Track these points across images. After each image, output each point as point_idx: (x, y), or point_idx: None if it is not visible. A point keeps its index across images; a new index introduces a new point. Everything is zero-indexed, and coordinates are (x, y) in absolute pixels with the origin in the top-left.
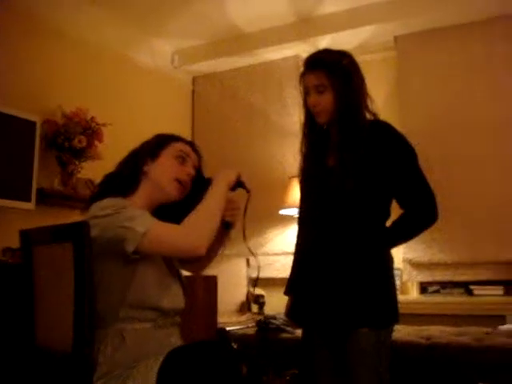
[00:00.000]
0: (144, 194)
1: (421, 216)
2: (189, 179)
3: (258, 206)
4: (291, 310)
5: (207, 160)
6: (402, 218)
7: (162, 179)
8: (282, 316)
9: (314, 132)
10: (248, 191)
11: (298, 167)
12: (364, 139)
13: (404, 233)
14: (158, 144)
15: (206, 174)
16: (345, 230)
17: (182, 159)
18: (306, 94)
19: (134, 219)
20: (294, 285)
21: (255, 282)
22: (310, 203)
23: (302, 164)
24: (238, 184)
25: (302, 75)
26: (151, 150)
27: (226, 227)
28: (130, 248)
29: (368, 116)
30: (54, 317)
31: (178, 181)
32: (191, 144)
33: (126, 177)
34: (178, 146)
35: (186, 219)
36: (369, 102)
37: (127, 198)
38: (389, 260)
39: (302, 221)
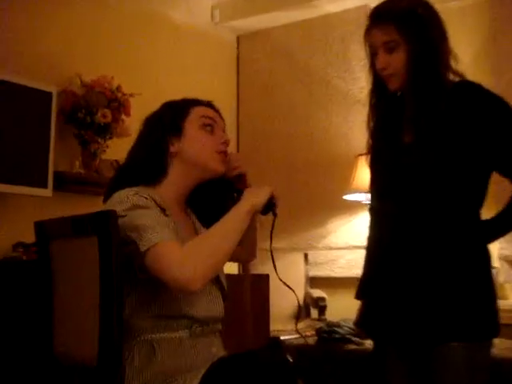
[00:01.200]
0: (177, 178)
1: None
2: (226, 147)
3: (317, 191)
4: (363, 318)
5: (255, 134)
6: None
7: (202, 156)
8: (348, 323)
9: (384, 101)
10: (275, 215)
11: (366, 145)
12: (448, 105)
13: None
14: (175, 116)
15: (253, 153)
16: (429, 222)
17: (210, 127)
18: (372, 54)
19: (139, 230)
20: (367, 287)
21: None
22: (384, 189)
23: (371, 141)
24: (269, 206)
25: (367, 32)
26: (171, 124)
27: (238, 186)
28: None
29: (451, 77)
30: (76, 323)
31: (219, 152)
32: (210, 105)
33: (149, 167)
34: (199, 110)
35: (191, 243)
36: (452, 61)
37: (154, 188)
38: (486, 258)
39: (376, 210)
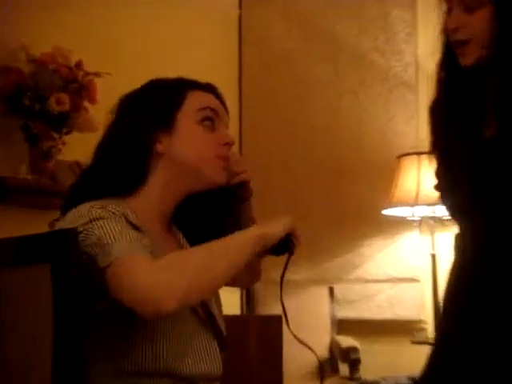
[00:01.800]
0: (160, 187)
1: None
2: (229, 150)
3: (347, 204)
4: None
5: (263, 127)
6: None
7: (198, 160)
8: (391, 383)
9: (456, 79)
10: (291, 254)
11: (430, 140)
12: None
13: None
14: (167, 102)
15: (260, 150)
16: None
17: (210, 122)
18: (447, 11)
19: (99, 243)
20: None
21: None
22: (469, 202)
23: (437, 134)
24: (285, 244)
25: None
26: (161, 113)
27: (240, 196)
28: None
29: None
30: (21, 378)
31: (220, 157)
32: (213, 89)
33: (125, 172)
34: (198, 98)
35: (172, 254)
36: None
37: (126, 200)
38: None
39: (462, 232)
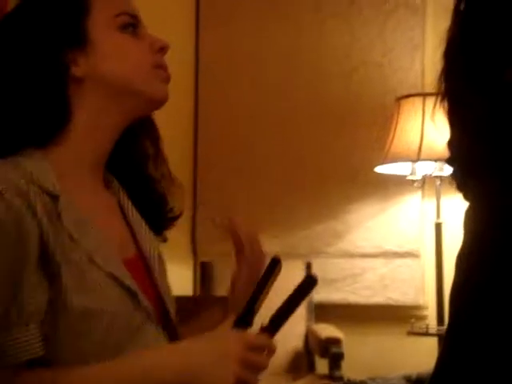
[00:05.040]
0: (88, 123)
1: None
2: (164, 56)
3: (330, 160)
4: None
5: (225, 61)
6: None
7: (134, 76)
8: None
9: (482, 8)
10: None
11: (438, 82)
12: None
13: None
14: (70, 11)
15: (224, 96)
16: None
17: (132, 27)
18: None
19: None
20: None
21: None
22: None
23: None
24: None
25: None
26: (65, 27)
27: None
28: None
29: None
30: None
31: (156, 67)
32: None
33: (35, 115)
34: (106, 1)
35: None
36: None
37: (46, 152)
38: None
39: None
